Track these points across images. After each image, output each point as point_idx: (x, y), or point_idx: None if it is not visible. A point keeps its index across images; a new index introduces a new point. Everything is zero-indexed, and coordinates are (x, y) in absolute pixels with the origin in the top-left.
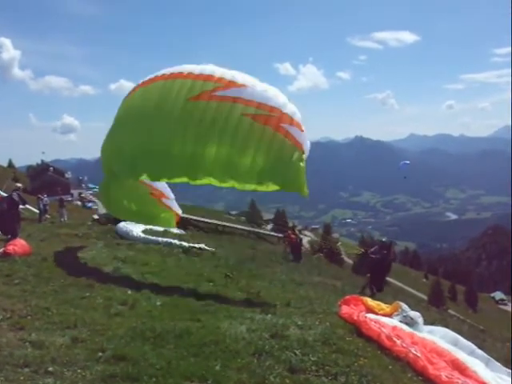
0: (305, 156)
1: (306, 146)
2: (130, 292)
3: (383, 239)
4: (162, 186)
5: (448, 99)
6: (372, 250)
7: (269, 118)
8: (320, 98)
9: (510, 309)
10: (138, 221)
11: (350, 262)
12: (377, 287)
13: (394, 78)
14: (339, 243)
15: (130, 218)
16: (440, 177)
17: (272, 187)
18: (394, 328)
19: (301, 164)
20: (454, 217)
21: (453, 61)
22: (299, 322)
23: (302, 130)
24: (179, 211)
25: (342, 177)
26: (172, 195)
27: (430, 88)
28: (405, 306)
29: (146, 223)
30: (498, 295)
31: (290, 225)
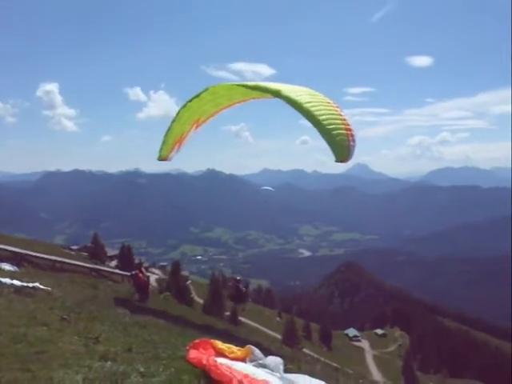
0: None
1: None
2: None
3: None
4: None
5: (302, 135)
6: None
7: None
8: None
9: (363, 345)
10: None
11: (201, 301)
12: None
13: (248, 110)
14: (189, 281)
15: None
16: (294, 213)
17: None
18: (246, 376)
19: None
20: (307, 254)
21: None
22: (142, 369)
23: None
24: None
25: (193, 211)
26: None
27: (286, 123)
28: (257, 352)
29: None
30: (352, 332)
31: (137, 262)
